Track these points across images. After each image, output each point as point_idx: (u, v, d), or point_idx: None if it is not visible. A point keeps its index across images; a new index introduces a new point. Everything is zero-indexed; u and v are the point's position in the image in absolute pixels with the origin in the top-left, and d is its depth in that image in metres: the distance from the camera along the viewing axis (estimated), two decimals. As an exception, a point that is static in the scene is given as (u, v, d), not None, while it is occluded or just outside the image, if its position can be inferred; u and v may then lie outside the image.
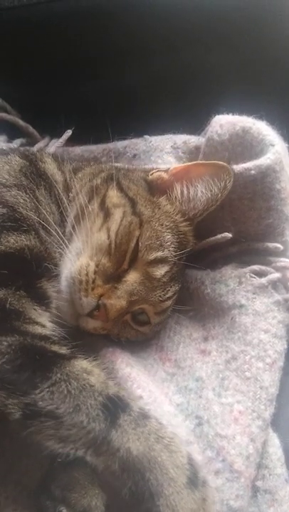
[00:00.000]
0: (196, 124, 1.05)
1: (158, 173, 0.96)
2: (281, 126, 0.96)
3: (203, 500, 0.61)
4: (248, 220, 0.94)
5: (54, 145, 1.20)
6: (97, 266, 0.82)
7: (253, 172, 0.88)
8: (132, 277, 0.83)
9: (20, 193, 0.83)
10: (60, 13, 1.16)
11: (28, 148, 1.15)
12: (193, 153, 1.05)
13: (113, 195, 0.89)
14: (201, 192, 0.90)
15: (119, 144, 1.13)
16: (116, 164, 1.04)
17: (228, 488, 0.70)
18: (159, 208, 0.91)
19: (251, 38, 1.17)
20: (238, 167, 0.89)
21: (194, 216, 0.92)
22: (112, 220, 0.85)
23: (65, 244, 0.83)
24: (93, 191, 0.90)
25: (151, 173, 0.98)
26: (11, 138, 1.23)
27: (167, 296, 0.88)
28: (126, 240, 0.84)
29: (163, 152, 1.06)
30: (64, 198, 0.89)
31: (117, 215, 0.86)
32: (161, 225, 0.88)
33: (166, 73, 1.22)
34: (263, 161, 0.88)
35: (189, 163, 0.93)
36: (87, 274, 0.80)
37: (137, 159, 1.09)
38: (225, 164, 0.88)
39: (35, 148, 1.19)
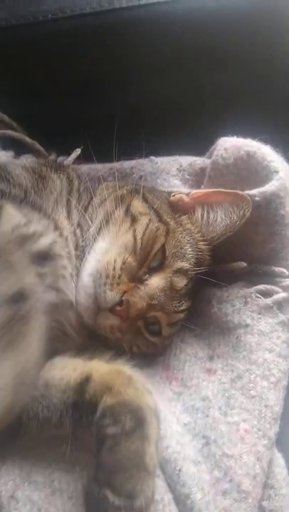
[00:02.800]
0: (201, 144, 1.09)
1: (179, 196, 1.01)
2: (285, 149, 0.99)
3: None
4: (253, 243, 0.97)
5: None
6: (123, 263, 0.86)
7: (257, 199, 0.92)
8: (155, 282, 0.88)
9: (20, 169, 0.92)
10: (67, 31, 1.18)
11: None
12: (199, 174, 1.08)
13: (138, 205, 0.95)
14: (221, 218, 0.95)
15: (126, 164, 1.15)
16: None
17: (236, 509, 0.73)
18: (181, 225, 0.96)
19: (255, 59, 1.20)
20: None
21: (212, 239, 0.97)
22: (139, 224, 0.91)
23: (52, 219, 0.88)
24: (118, 200, 0.96)
25: (172, 194, 1.02)
26: (17, 154, 1.24)
27: (181, 308, 0.93)
28: (151, 243, 0.89)
29: (169, 175, 1.09)
30: (74, 198, 0.95)
31: (143, 220, 0.91)
32: (184, 238, 0.94)
33: (172, 93, 1.24)
34: (268, 188, 0.92)
35: (210, 190, 0.98)
36: (114, 269, 0.84)
37: (144, 181, 1.12)
38: (244, 194, 0.92)
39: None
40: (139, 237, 0.89)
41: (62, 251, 0.87)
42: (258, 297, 0.95)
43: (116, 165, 1.16)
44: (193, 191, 0.99)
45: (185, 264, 0.92)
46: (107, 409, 0.72)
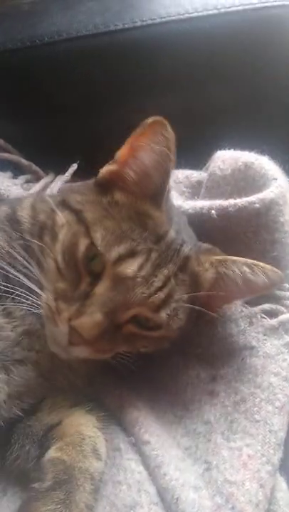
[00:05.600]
0: (197, 159, 1.10)
1: (106, 168, 0.87)
2: (283, 161, 0.99)
3: None
4: (253, 253, 0.95)
5: (60, 180, 1.23)
6: (55, 293, 0.78)
7: (257, 206, 0.90)
8: (101, 287, 0.76)
9: None
10: (63, 54, 1.23)
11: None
12: (195, 187, 1.09)
13: (59, 218, 0.84)
14: (147, 159, 0.80)
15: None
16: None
17: (238, 537, 0.70)
18: (115, 206, 0.83)
19: (250, 75, 1.23)
20: (242, 201, 0.92)
21: (156, 187, 0.82)
22: (57, 241, 0.81)
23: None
24: (42, 228, 0.87)
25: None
26: (15, 175, 1.27)
27: (154, 288, 0.77)
28: (72, 253, 0.78)
29: (165, 187, 1.08)
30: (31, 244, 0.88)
31: (60, 235, 0.82)
32: (115, 218, 0.80)
33: (168, 110, 1.24)
34: (267, 194, 0.91)
35: (127, 140, 0.83)
36: (49, 306, 0.78)
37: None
38: (154, 118, 0.79)
39: (41, 183, 1.23)
40: (59, 257, 0.79)
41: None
42: (263, 317, 0.92)
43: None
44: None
45: (123, 246, 0.76)
46: (39, 462, 0.76)
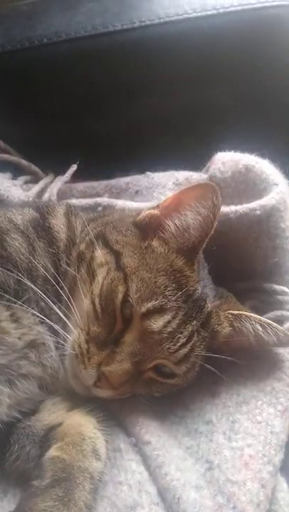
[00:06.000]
0: (197, 161, 1.11)
1: (147, 212, 0.90)
2: (283, 163, 1.00)
3: None
4: (254, 259, 0.97)
5: (60, 181, 1.24)
6: (87, 334, 0.82)
7: (258, 212, 0.91)
8: (130, 336, 0.81)
9: (20, 238, 0.87)
10: (62, 55, 1.23)
11: (42, 201, 1.16)
12: (196, 189, 1.07)
13: (98, 256, 0.86)
14: (192, 219, 0.83)
15: (122, 181, 1.17)
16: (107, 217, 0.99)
17: (239, 538, 0.70)
18: (151, 252, 0.86)
19: (250, 75, 1.24)
20: (243, 207, 0.93)
21: (193, 246, 0.85)
22: (96, 283, 0.84)
23: (53, 302, 0.84)
24: (79, 258, 0.89)
25: (139, 214, 0.92)
26: (15, 175, 1.27)
27: (179, 344, 0.82)
28: (110, 300, 0.81)
29: (165, 188, 1.10)
30: (64, 258, 0.89)
31: (100, 275, 0.84)
32: (152, 270, 0.83)
33: (168, 111, 1.28)
34: (268, 201, 0.92)
35: (176, 193, 0.86)
36: (80, 346, 0.81)
37: (140, 195, 1.13)
38: (208, 182, 0.85)
39: (41, 184, 1.23)
40: (97, 300, 0.82)
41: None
42: None
43: (112, 182, 1.17)
44: (163, 200, 0.88)
45: (154, 303, 0.80)
46: (39, 461, 0.78)
